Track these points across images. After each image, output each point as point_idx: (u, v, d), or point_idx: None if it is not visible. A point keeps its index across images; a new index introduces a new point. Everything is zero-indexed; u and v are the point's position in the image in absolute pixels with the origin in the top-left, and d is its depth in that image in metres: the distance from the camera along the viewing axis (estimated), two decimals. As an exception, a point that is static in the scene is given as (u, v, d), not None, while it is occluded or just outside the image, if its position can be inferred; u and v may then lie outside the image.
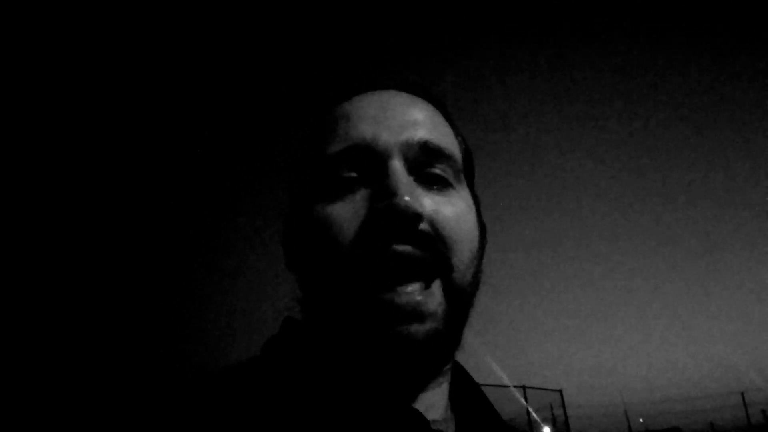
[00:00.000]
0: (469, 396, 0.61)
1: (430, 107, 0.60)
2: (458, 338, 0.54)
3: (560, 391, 14.35)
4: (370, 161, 0.53)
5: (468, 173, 0.63)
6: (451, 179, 0.56)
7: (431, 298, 0.50)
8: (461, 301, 0.53)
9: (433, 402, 0.54)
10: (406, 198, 0.49)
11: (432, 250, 0.50)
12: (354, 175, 0.53)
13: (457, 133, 0.63)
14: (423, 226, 0.50)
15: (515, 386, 12.16)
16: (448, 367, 0.57)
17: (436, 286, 0.51)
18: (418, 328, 0.48)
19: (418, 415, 0.49)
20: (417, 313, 0.48)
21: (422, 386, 0.53)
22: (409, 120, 0.56)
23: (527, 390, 12.44)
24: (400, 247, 0.49)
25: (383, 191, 0.50)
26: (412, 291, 0.49)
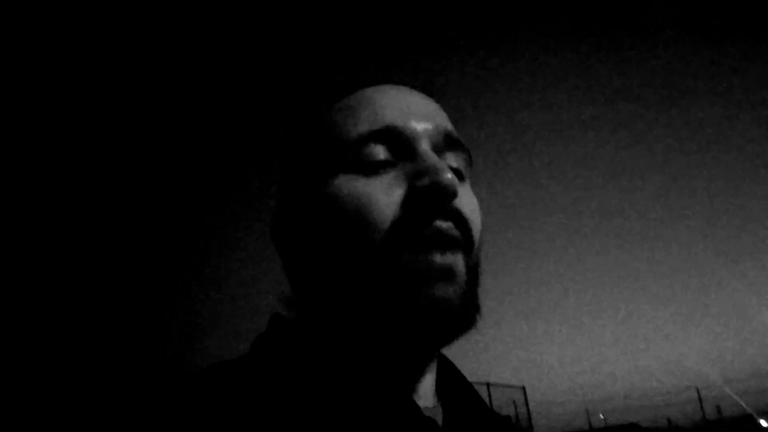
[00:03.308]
0: (454, 386, 0.61)
1: (440, 106, 0.63)
2: (473, 316, 0.54)
3: (523, 388, 14.66)
4: (400, 144, 0.54)
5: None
6: (464, 172, 0.59)
7: (462, 264, 0.52)
8: (476, 279, 0.55)
9: (424, 390, 0.55)
10: (449, 176, 0.50)
11: (463, 229, 0.53)
12: (382, 156, 0.54)
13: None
14: (456, 204, 0.53)
15: (479, 383, 12.34)
16: (435, 356, 0.58)
17: (461, 259, 0.52)
18: (454, 291, 0.50)
19: (412, 403, 0.49)
20: (453, 275, 0.50)
21: (414, 374, 0.54)
22: (431, 111, 0.58)
23: (491, 387, 12.69)
24: (444, 224, 0.51)
25: (425, 170, 0.51)
26: (450, 257, 0.51)
